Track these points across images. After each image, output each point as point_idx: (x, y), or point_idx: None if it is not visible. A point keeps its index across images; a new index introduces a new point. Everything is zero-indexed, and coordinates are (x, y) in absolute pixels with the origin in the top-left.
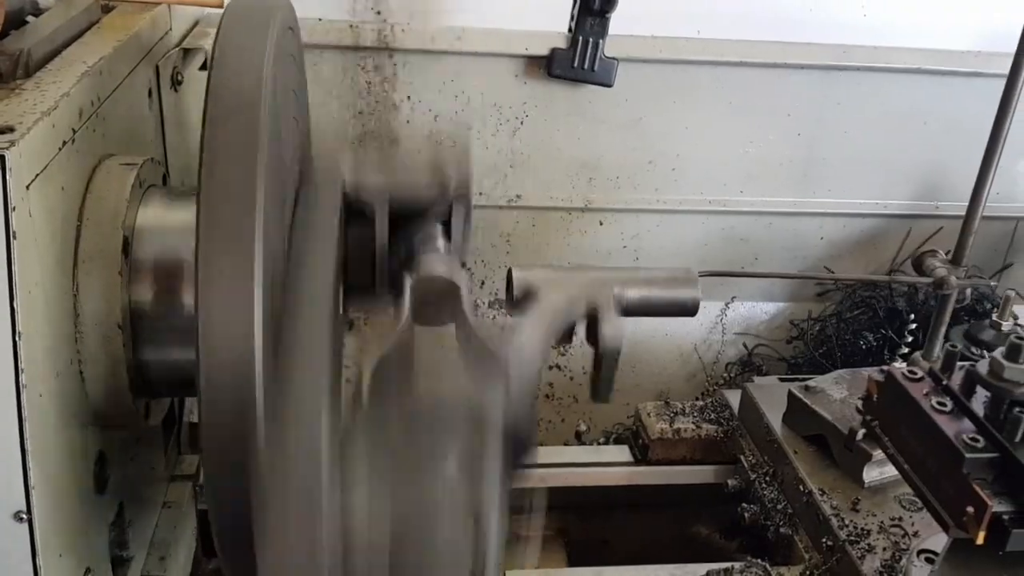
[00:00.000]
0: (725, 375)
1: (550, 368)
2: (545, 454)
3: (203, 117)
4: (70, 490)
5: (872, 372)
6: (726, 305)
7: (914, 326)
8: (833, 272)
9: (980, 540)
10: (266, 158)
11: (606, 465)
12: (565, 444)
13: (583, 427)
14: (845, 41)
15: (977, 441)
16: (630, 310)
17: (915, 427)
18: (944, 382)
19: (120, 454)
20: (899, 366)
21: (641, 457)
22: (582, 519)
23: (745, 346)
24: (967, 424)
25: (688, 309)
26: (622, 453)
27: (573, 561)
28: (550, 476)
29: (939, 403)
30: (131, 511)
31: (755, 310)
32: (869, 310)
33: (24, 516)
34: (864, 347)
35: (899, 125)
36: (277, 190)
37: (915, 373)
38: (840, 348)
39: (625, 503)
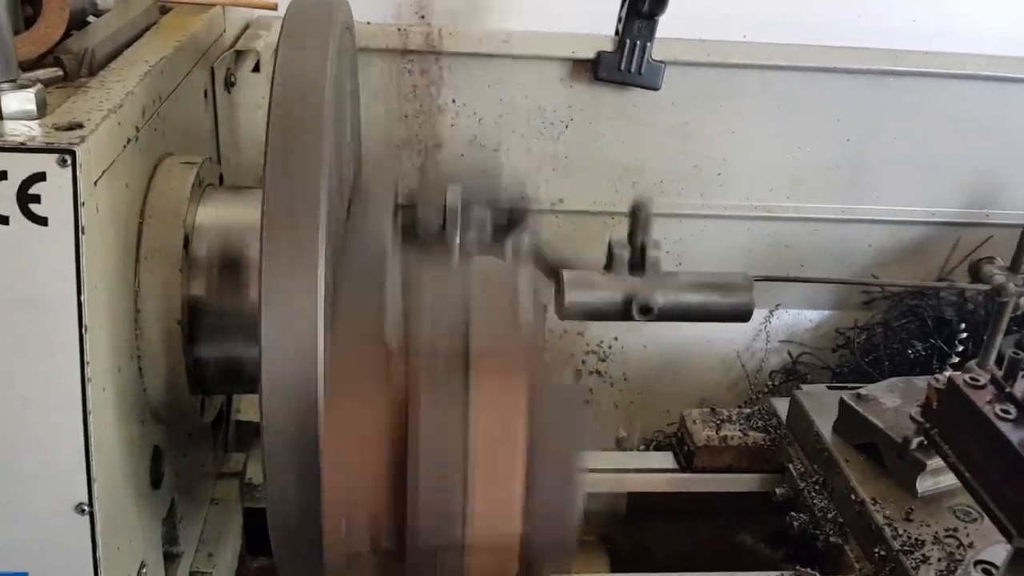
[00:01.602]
0: (769, 383)
1: (590, 374)
2: (590, 459)
3: (267, 116)
4: (128, 484)
5: (931, 379)
6: (770, 312)
7: (964, 335)
8: (880, 280)
9: None
10: (329, 163)
11: (650, 471)
12: (604, 450)
13: (623, 434)
14: (891, 47)
15: None
16: (686, 314)
17: (977, 435)
18: (1007, 389)
19: (173, 450)
20: (960, 374)
21: (686, 464)
22: (625, 525)
23: (790, 354)
24: None
25: (742, 314)
26: (666, 460)
27: (615, 568)
28: (594, 481)
29: (1003, 410)
30: (182, 507)
31: (800, 318)
32: (917, 319)
33: (86, 509)
34: (912, 356)
35: (950, 131)
36: (336, 191)
37: (977, 380)
38: (888, 357)
39: (669, 510)
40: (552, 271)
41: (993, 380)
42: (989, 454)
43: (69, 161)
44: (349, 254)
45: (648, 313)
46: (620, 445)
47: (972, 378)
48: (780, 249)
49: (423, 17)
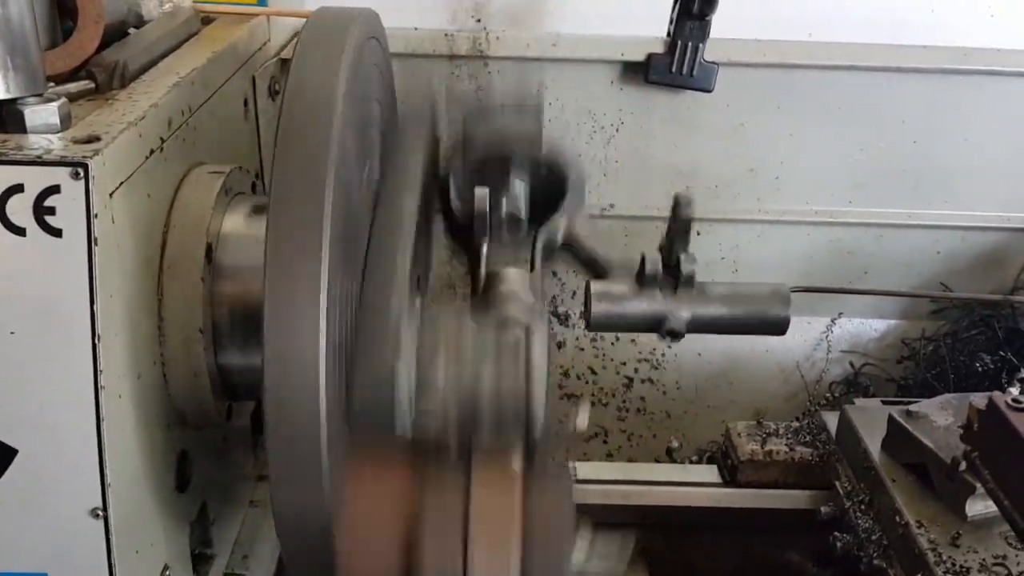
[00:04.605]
0: (829, 395)
1: (642, 382)
2: (631, 471)
3: (275, 134)
4: (149, 488)
5: (974, 399)
6: (832, 321)
7: None
8: (950, 289)
9: None
10: (334, 183)
11: (693, 485)
12: (656, 461)
13: (675, 444)
14: (966, 44)
15: None
16: (719, 328)
17: (1018, 460)
18: None
19: (206, 453)
20: (1003, 394)
21: (730, 478)
22: (667, 540)
23: (852, 365)
24: None
25: (774, 327)
26: (711, 473)
27: None
28: (634, 494)
29: None
30: (216, 509)
31: (864, 327)
32: (988, 330)
33: (100, 513)
34: (980, 370)
35: None
36: (345, 203)
37: (1020, 402)
38: (954, 370)
39: (712, 525)
40: (588, 264)
41: None
42: None
43: (82, 174)
44: (364, 301)
45: (677, 337)
46: (672, 455)
47: (1015, 400)
48: (842, 255)
49: (479, 20)
